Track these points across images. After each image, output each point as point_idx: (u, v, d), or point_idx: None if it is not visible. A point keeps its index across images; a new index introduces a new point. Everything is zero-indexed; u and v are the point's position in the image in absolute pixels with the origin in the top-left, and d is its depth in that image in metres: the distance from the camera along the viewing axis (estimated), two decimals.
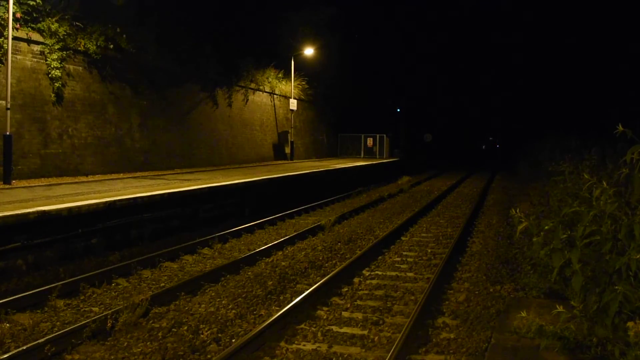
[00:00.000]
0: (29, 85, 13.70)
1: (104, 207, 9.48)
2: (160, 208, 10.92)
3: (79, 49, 15.12)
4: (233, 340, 5.57)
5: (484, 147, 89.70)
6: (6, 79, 12.32)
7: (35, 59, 13.94)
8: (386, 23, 41.32)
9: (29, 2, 13.65)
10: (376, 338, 5.66)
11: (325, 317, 6.38)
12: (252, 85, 24.96)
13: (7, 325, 5.95)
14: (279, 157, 27.09)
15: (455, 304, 6.81)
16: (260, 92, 25.92)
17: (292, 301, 6.55)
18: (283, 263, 8.99)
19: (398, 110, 44.92)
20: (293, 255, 9.63)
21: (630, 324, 3.27)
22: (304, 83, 29.94)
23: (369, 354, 5.32)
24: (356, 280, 8.01)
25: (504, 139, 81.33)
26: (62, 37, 14.45)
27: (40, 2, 13.91)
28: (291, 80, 27.70)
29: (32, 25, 13.87)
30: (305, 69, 29.48)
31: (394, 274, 8.41)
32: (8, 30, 12.27)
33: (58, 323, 6.07)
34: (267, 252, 9.68)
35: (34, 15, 13.93)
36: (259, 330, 5.51)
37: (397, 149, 36.92)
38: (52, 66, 14.21)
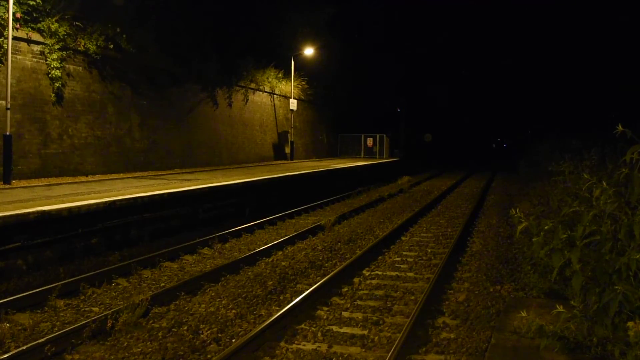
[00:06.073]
0: (29, 85, 13.69)
1: (104, 207, 9.48)
2: (160, 208, 10.92)
3: (79, 49, 15.11)
4: (233, 340, 5.57)
5: (493, 145, 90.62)
6: (6, 79, 12.31)
7: (35, 59, 13.93)
8: (386, 23, 41.30)
9: (29, 2, 13.63)
10: (376, 338, 5.66)
11: (325, 317, 6.38)
12: (252, 85, 24.95)
13: (7, 325, 5.95)
14: (279, 157, 27.08)
15: (455, 304, 6.81)
16: (260, 92, 25.92)
17: (292, 301, 6.55)
18: (283, 263, 8.99)
19: (398, 110, 44.90)
20: (293, 255, 9.63)
21: (630, 324, 3.27)
22: (304, 83, 29.93)
23: (369, 353, 5.32)
24: (356, 280, 8.01)
25: (511, 139, 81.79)
26: (62, 37, 14.44)
27: (40, 2, 13.90)
28: (291, 80, 27.70)
29: (32, 25, 13.86)
30: (305, 69, 29.47)
31: (394, 273, 8.41)
32: (8, 30, 12.27)
33: (58, 323, 6.08)
34: (267, 252, 9.68)
35: (34, 15, 13.91)
36: (259, 330, 5.51)
37: (397, 149, 36.90)
38: (52, 66, 14.20)
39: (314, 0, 29.99)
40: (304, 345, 5.53)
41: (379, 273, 8.46)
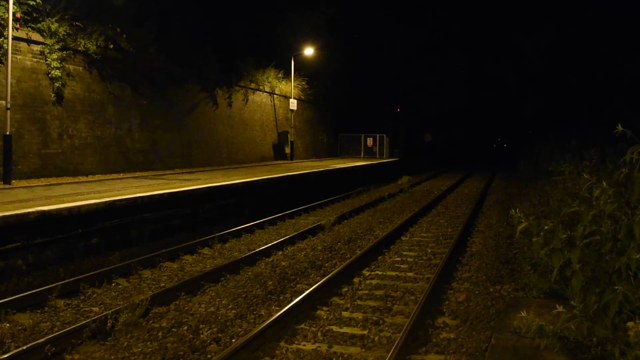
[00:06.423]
0: (29, 85, 13.70)
1: (104, 207, 9.48)
2: (160, 208, 10.91)
3: (79, 49, 15.12)
4: (233, 340, 5.57)
5: (494, 145, 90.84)
6: (6, 79, 12.32)
7: (35, 59, 13.93)
8: (387, 23, 41.28)
9: (29, 2, 13.64)
10: (376, 338, 5.66)
11: (325, 317, 6.38)
12: (252, 85, 24.96)
13: (7, 325, 5.95)
14: (279, 157, 27.09)
15: (455, 304, 6.81)
16: (260, 92, 25.92)
17: (292, 301, 6.55)
18: (283, 263, 8.99)
19: (398, 110, 44.90)
20: (293, 255, 9.63)
21: (630, 324, 3.27)
22: (304, 83, 29.94)
23: (369, 353, 5.32)
24: (356, 280, 8.01)
25: (511, 139, 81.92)
26: (62, 37, 14.44)
27: (40, 2, 13.91)
28: (291, 80, 27.70)
29: (32, 25, 13.87)
30: (305, 69, 29.48)
31: (394, 273, 8.40)
32: (8, 30, 12.27)
33: (58, 323, 6.08)
34: (267, 252, 9.68)
35: (34, 15, 13.92)
36: (259, 330, 5.51)
37: (397, 149, 36.90)
38: (52, 66, 14.20)
39: (314, 0, 29.99)
40: (304, 345, 5.53)
41: (379, 273, 8.46)
